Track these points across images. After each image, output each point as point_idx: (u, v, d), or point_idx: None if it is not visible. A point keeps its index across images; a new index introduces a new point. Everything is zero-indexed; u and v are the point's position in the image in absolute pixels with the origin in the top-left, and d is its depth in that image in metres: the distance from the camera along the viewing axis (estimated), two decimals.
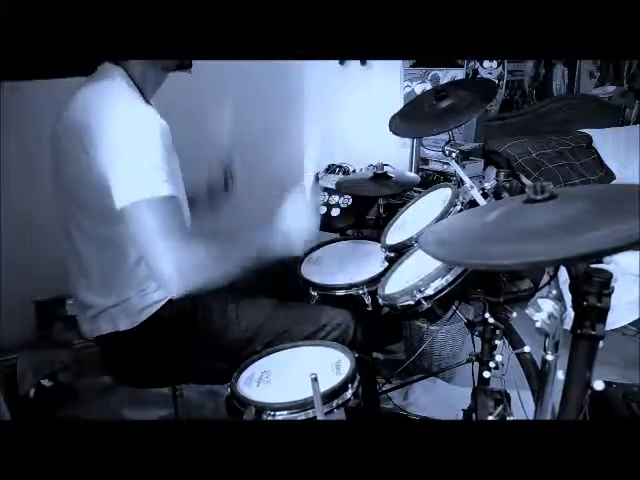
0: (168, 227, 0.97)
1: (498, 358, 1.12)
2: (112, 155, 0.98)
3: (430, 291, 1.03)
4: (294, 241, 1.14)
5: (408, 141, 2.65)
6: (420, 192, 1.57)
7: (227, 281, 1.03)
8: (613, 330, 1.87)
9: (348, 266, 1.43)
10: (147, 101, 1.09)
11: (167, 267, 0.96)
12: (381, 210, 1.97)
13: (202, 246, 1.02)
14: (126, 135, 0.98)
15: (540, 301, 0.66)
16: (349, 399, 0.97)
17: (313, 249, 1.54)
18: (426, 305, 1.03)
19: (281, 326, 1.19)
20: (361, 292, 1.30)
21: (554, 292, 0.67)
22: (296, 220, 1.15)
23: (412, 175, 1.90)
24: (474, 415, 1.15)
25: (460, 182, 1.32)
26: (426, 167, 2.64)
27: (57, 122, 1.08)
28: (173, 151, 1.05)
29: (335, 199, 2.23)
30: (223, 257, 1.05)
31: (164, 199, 0.98)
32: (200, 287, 1.00)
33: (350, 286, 1.31)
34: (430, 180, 2.53)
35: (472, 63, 2.91)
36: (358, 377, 1.01)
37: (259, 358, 1.11)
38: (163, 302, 1.15)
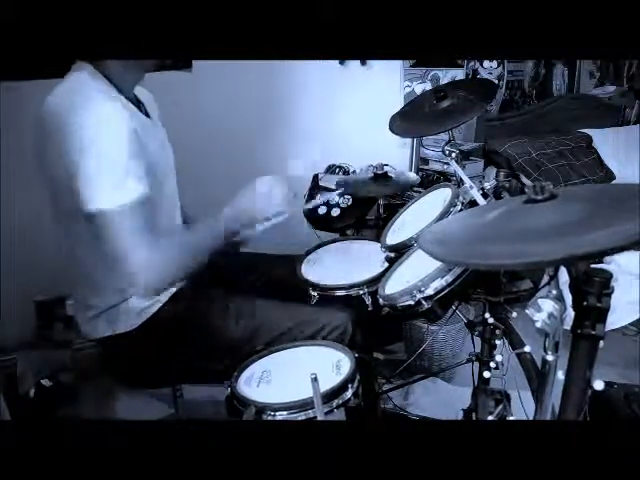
0: (134, 231, 0.99)
1: (498, 358, 1.12)
2: (81, 158, 0.97)
3: (430, 291, 1.03)
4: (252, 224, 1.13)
5: (408, 141, 2.65)
6: (420, 192, 1.57)
7: (199, 266, 1.08)
8: (613, 330, 1.87)
9: (348, 266, 1.43)
10: (127, 97, 1.09)
11: (134, 268, 0.99)
12: (381, 210, 1.97)
13: (172, 241, 1.08)
14: (92, 137, 0.97)
15: (540, 301, 0.66)
16: (349, 399, 0.97)
17: (313, 249, 1.54)
18: (426, 305, 1.03)
19: (280, 328, 1.19)
20: (361, 292, 1.29)
21: (554, 292, 0.67)
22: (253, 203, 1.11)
23: (412, 175, 1.90)
24: (474, 415, 1.15)
25: (460, 182, 1.32)
26: (426, 167, 2.64)
27: (35, 125, 1.07)
28: (146, 147, 1.04)
29: (335, 199, 2.22)
30: (193, 245, 1.09)
31: (130, 205, 0.98)
32: (171, 282, 1.08)
33: (350, 286, 1.31)
34: (430, 180, 2.53)
35: (472, 63, 2.91)
36: (358, 377, 1.01)
37: (259, 358, 1.11)
38: (162, 303, 1.14)
